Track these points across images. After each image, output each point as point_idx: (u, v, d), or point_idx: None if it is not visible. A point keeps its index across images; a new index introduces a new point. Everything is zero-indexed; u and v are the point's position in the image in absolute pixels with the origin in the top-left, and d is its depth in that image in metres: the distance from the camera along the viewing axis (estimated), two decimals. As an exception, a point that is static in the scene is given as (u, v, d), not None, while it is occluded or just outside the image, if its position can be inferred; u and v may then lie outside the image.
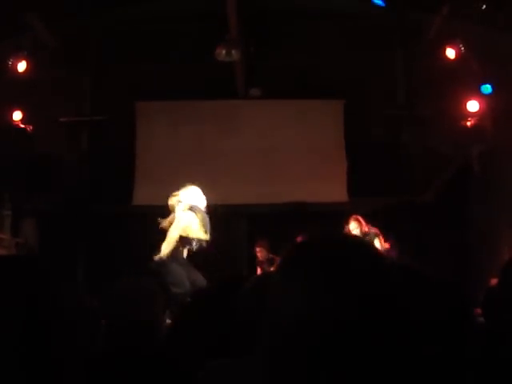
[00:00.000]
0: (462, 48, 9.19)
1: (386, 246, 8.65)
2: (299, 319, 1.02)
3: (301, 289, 1.04)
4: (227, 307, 2.22)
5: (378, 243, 8.35)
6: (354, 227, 8.50)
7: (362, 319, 1.01)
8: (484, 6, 8.31)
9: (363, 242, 1.12)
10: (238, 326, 2.06)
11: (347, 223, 8.58)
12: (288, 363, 1.02)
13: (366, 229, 8.55)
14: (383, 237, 8.65)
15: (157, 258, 7.04)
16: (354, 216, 8.64)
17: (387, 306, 1.03)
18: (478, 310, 3.10)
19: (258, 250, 9.43)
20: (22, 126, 9.70)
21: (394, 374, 1.01)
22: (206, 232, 7.10)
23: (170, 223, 7.20)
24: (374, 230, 8.64)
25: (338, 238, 1.14)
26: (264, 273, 7.39)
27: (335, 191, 10.57)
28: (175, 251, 7.05)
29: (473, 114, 9.34)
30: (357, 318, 1.01)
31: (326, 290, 1.03)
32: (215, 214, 7.46)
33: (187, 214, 7.15)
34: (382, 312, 1.02)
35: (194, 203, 7.27)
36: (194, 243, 7.10)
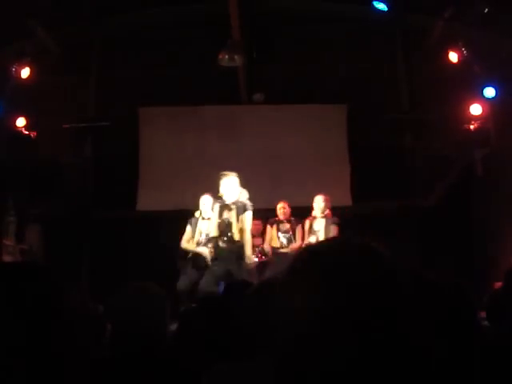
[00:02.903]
0: (465, 51, 9.20)
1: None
2: (309, 321, 1.03)
3: (310, 291, 1.05)
4: (232, 310, 2.23)
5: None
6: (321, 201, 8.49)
7: (371, 321, 1.01)
8: (486, 10, 8.33)
9: (372, 245, 1.13)
10: (243, 329, 2.06)
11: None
12: (298, 365, 1.03)
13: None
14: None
15: None
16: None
17: (393, 308, 1.04)
18: (483, 313, 3.10)
19: (282, 206, 8.94)
20: (26, 132, 9.72)
21: (401, 376, 1.02)
22: None
23: None
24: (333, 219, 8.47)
25: (348, 241, 1.15)
26: (267, 278, 7.33)
27: (339, 195, 10.54)
28: None
29: (476, 118, 9.34)
30: (365, 320, 1.01)
31: (335, 293, 1.03)
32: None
33: None
34: (389, 314, 1.03)
35: None
36: None
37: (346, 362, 1.00)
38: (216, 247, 7.53)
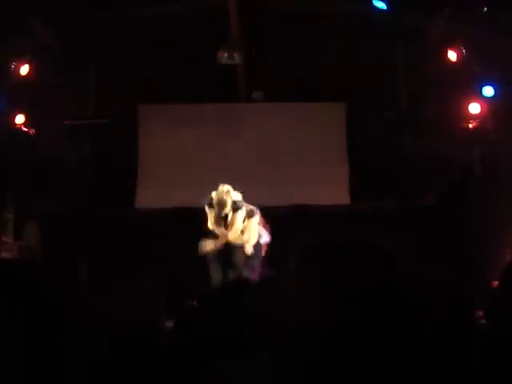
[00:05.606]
0: (464, 50, 9.20)
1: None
2: (313, 319, 1.04)
3: (311, 289, 1.06)
4: (233, 309, 2.23)
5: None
6: None
7: (373, 319, 1.02)
8: (485, 9, 8.33)
9: (372, 244, 1.13)
10: (242, 327, 2.07)
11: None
12: (300, 362, 1.04)
13: None
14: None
15: None
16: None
17: (395, 307, 1.05)
18: (480, 312, 3.11)
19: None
20: (25, 129, 9.71)
21: (401, 374, 1.02)
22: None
23: None
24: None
25: (351, 240, 1.15)
26: (269, 275, 7.30)
27: (337, 194, 10.56)
28: None
29: (474, 117, 9.34)
30: (368, 318, 1.02)
31: (339, 291, 1.04)
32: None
33: None
34: (391, 312, 1.04)
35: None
36: None
37: (346, 360, 1.00)
38: None
